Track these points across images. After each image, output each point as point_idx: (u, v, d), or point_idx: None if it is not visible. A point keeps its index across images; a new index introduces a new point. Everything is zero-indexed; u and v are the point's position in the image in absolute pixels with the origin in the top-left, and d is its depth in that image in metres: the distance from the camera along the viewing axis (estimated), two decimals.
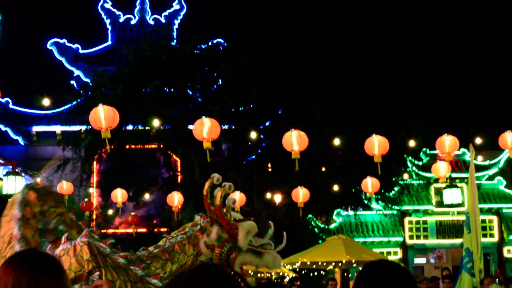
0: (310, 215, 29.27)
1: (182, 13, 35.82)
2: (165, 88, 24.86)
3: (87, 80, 29.42)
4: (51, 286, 2.76)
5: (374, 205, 30.46)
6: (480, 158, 32.61)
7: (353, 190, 25.81)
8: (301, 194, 19.89)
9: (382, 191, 26.50)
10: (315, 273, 27.49)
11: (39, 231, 5.65)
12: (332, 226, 32.35)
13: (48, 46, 33.33)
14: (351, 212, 31.98)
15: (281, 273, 21.16)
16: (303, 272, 25.41)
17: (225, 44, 26.71)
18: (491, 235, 33.97)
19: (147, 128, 24.60)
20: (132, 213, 26.21)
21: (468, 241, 12.16)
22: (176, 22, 35.30)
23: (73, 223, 6.13)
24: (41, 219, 5.73)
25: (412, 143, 21.96)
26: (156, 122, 22.12)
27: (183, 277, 2.55)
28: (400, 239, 33.63)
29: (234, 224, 6.42)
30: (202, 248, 6.27)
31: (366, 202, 28.11)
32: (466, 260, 11.94)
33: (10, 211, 5.55)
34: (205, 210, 6.63)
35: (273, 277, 20.88)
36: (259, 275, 21.01)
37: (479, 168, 32.85)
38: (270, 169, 27.11)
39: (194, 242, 6.34)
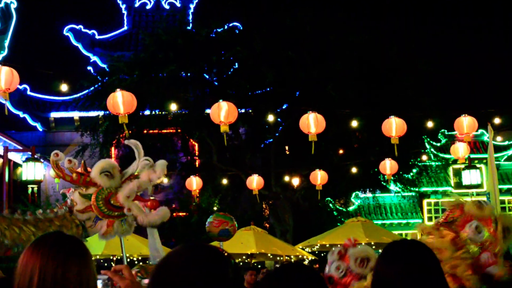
0: (328, 198, 29.25)
1: None
2: (182, 73, 24.86)
3: (104, 65, 29.48)
4: (78, 269, 2.81)
5: (392, 187, 30.40)
6: (499, 138, 32.42)
7: (371, 172, 25.76)
8: (319, 177, 19.90)
9: (400, 172, 26.42)
10: None
11: None
12: (351, 208, 32.32)
13: (65, 32, 33.41)
14: (369, 194, 31.93)
15: (300, 256, 21.18)
16: (322, 254, 25.40)
17: (241, 28, 26.64)
18: None
19: (164, 112, 24.63)
20: (151, 198, 26.18)
21: None
22: (192, 6, 35.20)
23: None
24: None
25: (430, 124, 21.84)
26: (173, 107, 22.14)
27: (173, 258, 2.59)
28: (419, 221, 33.53)
29: (85, 176, 6.37)
30: (81, 217, 6.25)
31: (384, 184, 28.05)
32: None
33: None
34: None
35: (293, 260, 20.90)
36: (278, 258, 21.05)
37: (498, 149, 32.65)
38: (287, 152, 27.11)
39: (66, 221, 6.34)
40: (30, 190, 21.50)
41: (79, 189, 6.35)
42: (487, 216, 4.37)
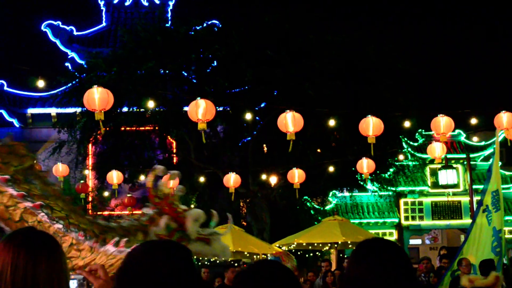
0: (305, 197, 29.29)
1: None
2: (160, 70, 24.78)
3: (82, 62, 29.33)
4: (48, 265, 2.81)
5: (369, 186, 30.50)
6: (475, 139, 32.63)
7: (349, 171, 25.83)
8: (296, 175, 19.92)
9: (378, 172, 26.51)
10: (311, 254, 27.57)
11: None
12: (328, 207, 32.38)
13: (43, 28, 33.21)
14: (346, 193, 32.02)
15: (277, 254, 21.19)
16: (298, 253, 25.47)
17: (220, 25, 26.60)
18: None
19: (142, 110, 24.56)
20: (128, 195, 26.23)
21: (496, 219, 12.20)
22: (171, 3, 35.15)
23: (41, 177, 6.45)
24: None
25: (407, 124, 21.94)
26: (151, 104, 22.07)
27: (138, 255, 2.60)
28: (396, 220, 33.68)
29: (182, 213, 6.48)
30: (152, 237, 6.36)
31: (361, 183, 28.14)
32: (492, 239, 12.00)
33: None
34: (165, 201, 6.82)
35: (269, 258, 20.91)
36: (254, 257, 21.06)
37: (474, 149, 32.88)
38: (265, 151, 27.12)
39: (144, 230, 6.45)
40: None
41: (168, 216, 6.44)
42: None
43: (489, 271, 11.20)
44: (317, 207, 31.46)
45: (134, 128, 26.31)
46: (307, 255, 27.36)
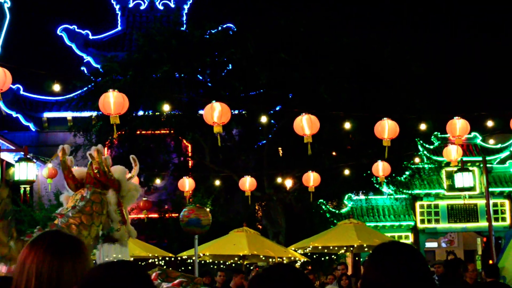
0: (321, 200, 29.25)
1: None
2: (175, 73, 24.83)
3: (97, 66, 29.42)
4: (73, 268, 2.86)
5: (385, 189, 30.41)
6: (491, 141, 32.49)
7: (364, 174, 25.76)
8: (312, 179, 19.90)
9: (393, 175, 26.42)
10: (327, 258, 27.49)
11: None
12: (343, 210, 32.32)
13: (58, 32, 33.33)
14: (362, 196, 31.94)
15: (292, 258, 21.16)
16: (314, 256, 25.40)
17: (235, 29, 26.62)
18: (503, 219, 33.86)
19: (157, 113, 24.60)
20: (144, 199, 26.27)
21: None
22: (186, 7, 35.17)
23: None
24: None
25: (423, 127, 21.85)
26: (166, 107, 22.09)
27: (96, 277, 2.60)
28: (411, 223, 33.58)
29: (112, 176, 6.38)
30: (115, 217, 6.25)
31: (377, 186, 28.04)
32: None
33: None
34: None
35: (285, 261, 20.86)
36: (270, 260, 21.04)
37: (490, 152, 32.74)
38: (280, 154, 27.11)
39: (91, 213, 6.20)
40: (22, 190, 21.42)
41: (111, 188, 6.35)
42: None
43: (494, 275, 11.14)
44: (332, 210, 31.40)
45: (150, 132, 26.35)
46: (322, 259, 27.28)
